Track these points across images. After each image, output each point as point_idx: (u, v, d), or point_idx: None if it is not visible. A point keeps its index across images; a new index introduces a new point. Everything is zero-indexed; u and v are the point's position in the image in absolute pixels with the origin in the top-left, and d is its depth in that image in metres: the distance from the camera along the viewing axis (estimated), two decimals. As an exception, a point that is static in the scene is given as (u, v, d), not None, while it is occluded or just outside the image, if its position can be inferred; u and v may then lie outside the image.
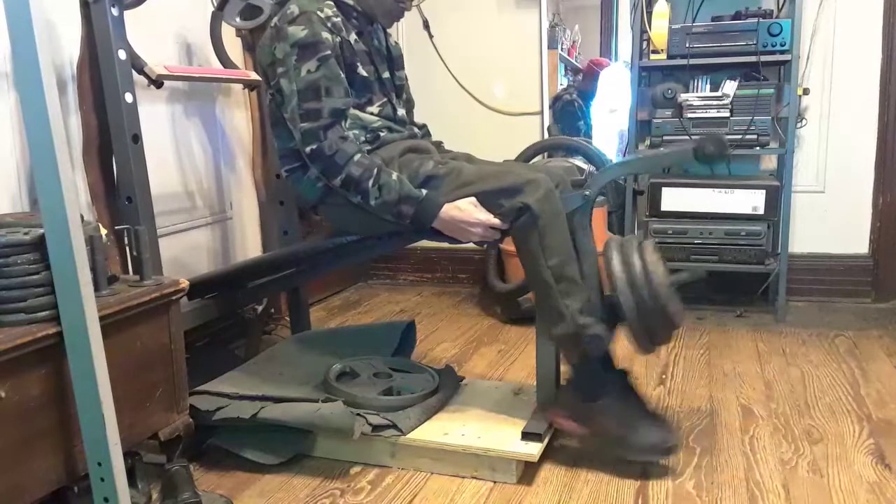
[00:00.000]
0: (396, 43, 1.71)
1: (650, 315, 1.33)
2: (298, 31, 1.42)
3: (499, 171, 1.47)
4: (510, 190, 1.38)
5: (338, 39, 1.46)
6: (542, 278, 1.37)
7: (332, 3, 1.49)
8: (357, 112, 1.52)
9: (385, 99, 1.58)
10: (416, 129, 1.68)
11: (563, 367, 1.48)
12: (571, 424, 1.42)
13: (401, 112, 1.63)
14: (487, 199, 1.40)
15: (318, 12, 1.44)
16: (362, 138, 1.51)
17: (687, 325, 2.36)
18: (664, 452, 1.39)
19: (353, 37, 1.51)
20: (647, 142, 2.52)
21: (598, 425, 1.39)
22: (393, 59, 1.65)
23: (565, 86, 3.14)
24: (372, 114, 1.54)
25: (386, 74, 1.60)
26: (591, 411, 1.39)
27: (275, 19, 1.48)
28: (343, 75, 1.46)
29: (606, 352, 1.42)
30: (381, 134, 1.54)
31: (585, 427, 1.41)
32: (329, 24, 1.45)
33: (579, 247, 1.39)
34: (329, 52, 1.43)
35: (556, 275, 1.36)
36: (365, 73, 1.52)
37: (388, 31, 1.69)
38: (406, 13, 1.66)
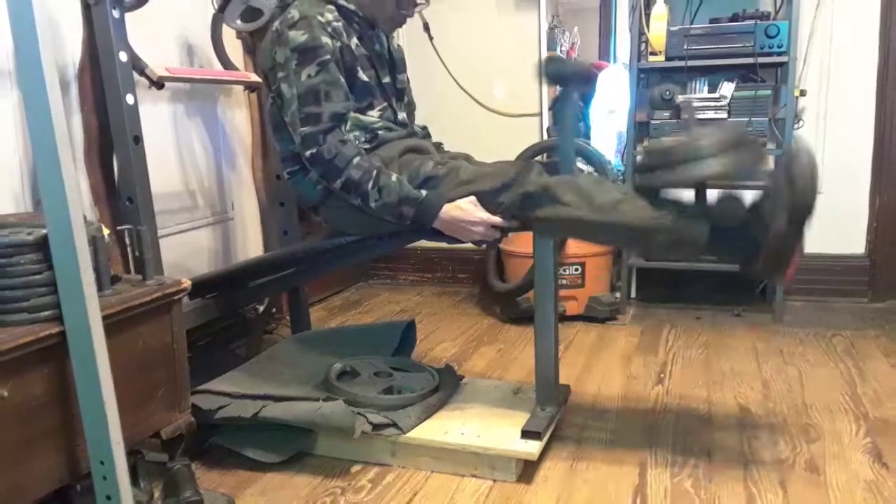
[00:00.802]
0: (399, 46, 1.72)
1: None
2: (299, 36, 1.43)
3: (496, 169, 1.48)
4: (506, 186, 1.39)
5: (338, 44, 1.47)
6: (597, 225, 1.31)
7: (333, 7, 1.50)
8: (358, 115, 1.52)
9: (386, 103, 1.59)
10: (417, 130, 1.68)
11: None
12: (795, 260, 1.28)
13: (401, 116, 1.64)
14: (487, 198, 1.41)
15: (319, 17, 1.45)
16: (362, 139, 1.52)
17: (685, 324, 2.37)
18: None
19: (353, 41, 1.51)
20: (645, 143, 2.53)
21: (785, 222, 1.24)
22: (395, 63, 1.66)
23: (565, 87, 3.15)
24: (372, 117, 1.55)
25: (387, 79, 1.60)
26: (783, 227, 1.24)
27: (276, 23, 1.48)
28: (343, 80, 1.47)
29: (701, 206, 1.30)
30: (380, 133, 1.55)
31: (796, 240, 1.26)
32: (329, 29, 1.46)
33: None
34: (329, 56, 1.44)
35: (607, 208, 1.29)
36: (366, 78, 1.53)
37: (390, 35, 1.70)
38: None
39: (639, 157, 1.28)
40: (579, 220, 1.32)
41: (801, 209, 1.24)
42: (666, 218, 1.28)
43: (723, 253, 1.34)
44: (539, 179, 1.37)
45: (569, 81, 1.44)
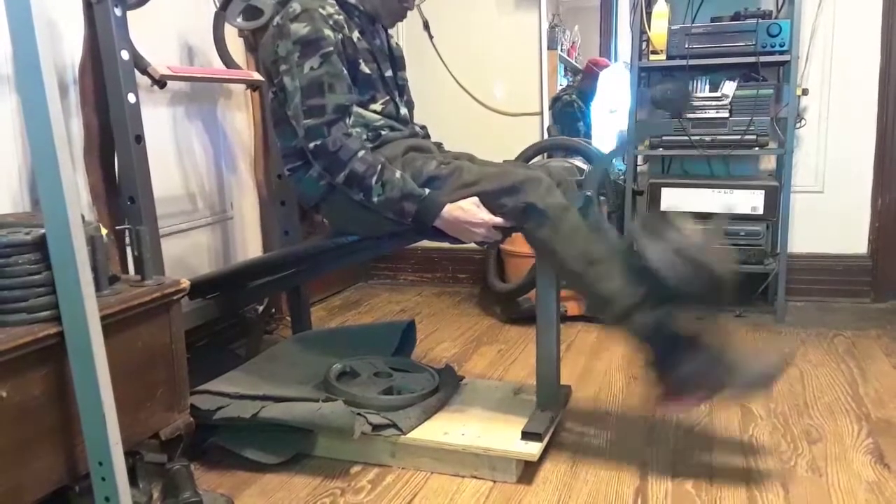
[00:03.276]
0: (398, 44, 1.72)
1: (702, 283, 1.27)
2: (301, 29, 1.43)
3: (500, 171, 1.47)
4: (512, 189, 1.38)
5: (339, 36, 1.46)
6: (570, 270, 1.35)
7: (333, 1, 1.50)
8: (360, 110, 1.52)
9: (388, 97, 1.58)
10: (417, 129, 1.68)
11: (639, 354, 1.37)
12: (688, 400, 1.34)
13: (403, 111, 1.63)
14: (489, 199, 1.41)
15: (320, 10, 1.45)
16: (364, 136, 1.51)
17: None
18: (780, 369, 1.33)
19: (355, 35, 1.51)
20: (647, 142, 2.53)
21: (711, 383, 1.30)
22: (395, 59, 1.66)
23: (564, 86, 3.15)
24: (375, 111, 1.54)
25: (388, 73, 1.60)
26: (695, 375, 1.30)
27: (277, 18, 1.48)
28: (345, 72, 1.47)
29: (668, 318, 1.33)
30: (384, 133, 1.54)
31: (703, 392, 1.32)
32: (331, 22, 1.45)
33: (600, 246, 1.36)
34: (331, 48, 1.44)
35: (584, 261, 1.33)
36: (368, 71, 1.52)
37: (390, 31, 1.70)
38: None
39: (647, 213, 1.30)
40: (561, 261, 1.36)
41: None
42: (627, 299, 1.31)
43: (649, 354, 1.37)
44: (547, 199, 1.35)
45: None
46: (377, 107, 1.55)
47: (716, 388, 1.32)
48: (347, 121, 1.46)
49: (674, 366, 1.32)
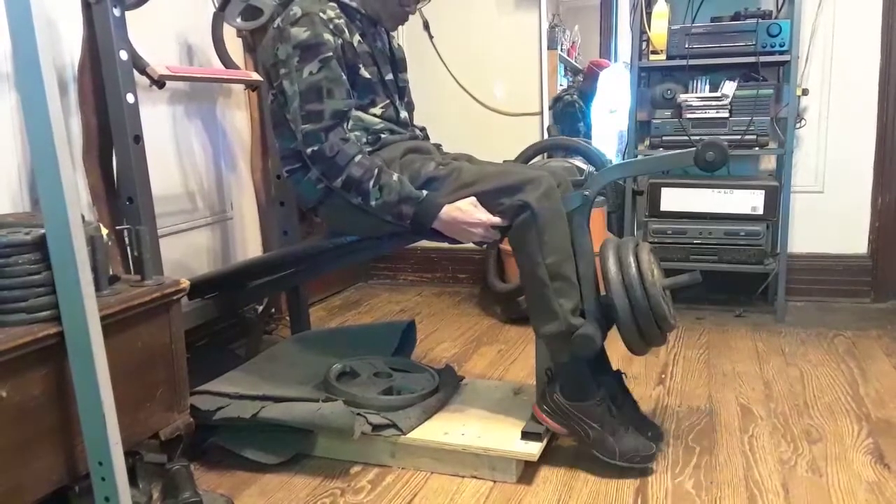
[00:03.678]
0: (399, 46, 1.71)
1: (643, 316, 1.34)
2: (301, 33, 1.43)
3: (499, 170, 1.47)
4: (511, 188, 1.39)
5: (339, 41, 1.46)
6: (537, 276, 1.37)
7: (335, 4, 1.50)
8: (360, 113, 1.52)
9: (388, 101, 1.58)
10: (417, 132, 1.68)
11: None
12: (551, 422, 1.42)
13: (403, 114, 1.63)
14: (488, 199, 1.41)
15: (321, 14, 1.45)
16: (363, 140, 1.51)
17: (686, 324, 2.36)
18: (640, 461, 1.39)
19: (356, 38, 1.51)
20: (647, 142, 2.53)
21: (577, 427, 1.40)
22: (396, 62, 1.66)
23: (566, 87, 3.15)
24: (375, 115, 1.55)
25: (389, 76, 1.60)
26: (573, 412, 1.40)
27: (278, 20, 1.48)
28: (344, 77, 1.47)
29: (600, 353, 1.42)
30: (383, 136, 1.54)
31: (564, 427, 1.42)
32: (331, 26, 1.45)
33: (577, 247, 1.40)
34: (330, 53, 1.44)
35: (552, 273, 1.36)
36: (368, 75, 1.53)
37: (392, 32, 1.70)
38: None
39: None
40: (533, 265, 1.38)
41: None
42: (572, 320, 1.36)
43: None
44: (543, 202, 1.36)
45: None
46: (377, 110, 1.55)
47: (584, 439, 1.40)
48: (345, 126, 1.46)
49: (572, 399, 1.40)
